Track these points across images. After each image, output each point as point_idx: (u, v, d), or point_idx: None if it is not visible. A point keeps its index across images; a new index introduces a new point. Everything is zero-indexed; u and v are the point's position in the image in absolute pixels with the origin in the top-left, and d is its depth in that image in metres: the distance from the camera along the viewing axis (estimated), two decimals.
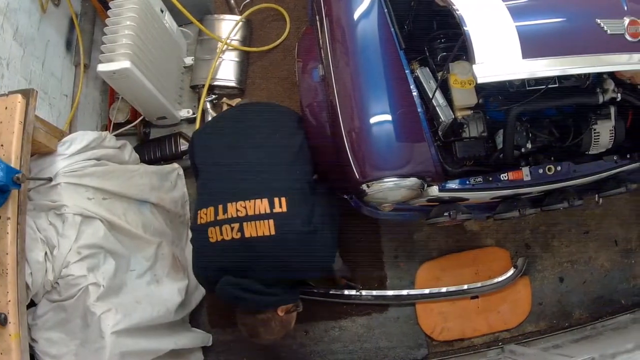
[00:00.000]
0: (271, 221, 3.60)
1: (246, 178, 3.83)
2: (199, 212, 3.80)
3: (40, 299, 3.83)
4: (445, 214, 3.90)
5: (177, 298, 4.65)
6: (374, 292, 5.35)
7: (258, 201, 3.63)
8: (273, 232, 3.59)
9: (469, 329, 5.38)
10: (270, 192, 3.69)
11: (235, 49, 6.00)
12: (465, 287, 5.33)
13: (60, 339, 3.85)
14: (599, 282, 5.56)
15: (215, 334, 5.24)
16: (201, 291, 5.14)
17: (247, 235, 3.60)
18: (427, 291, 5.34)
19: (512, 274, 5.35)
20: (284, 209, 3.64)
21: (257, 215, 3.61)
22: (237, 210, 3.63)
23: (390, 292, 5.37)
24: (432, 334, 5.34)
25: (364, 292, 5.29)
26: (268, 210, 3.62)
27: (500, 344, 5.35)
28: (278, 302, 3.78)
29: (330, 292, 5.26)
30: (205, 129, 4.64)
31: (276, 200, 3.65)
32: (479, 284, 5.34)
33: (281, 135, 4.13)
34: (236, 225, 3.61)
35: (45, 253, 3.75)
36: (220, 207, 3.67)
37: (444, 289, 5.33)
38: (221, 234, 3.65)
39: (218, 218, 3.67)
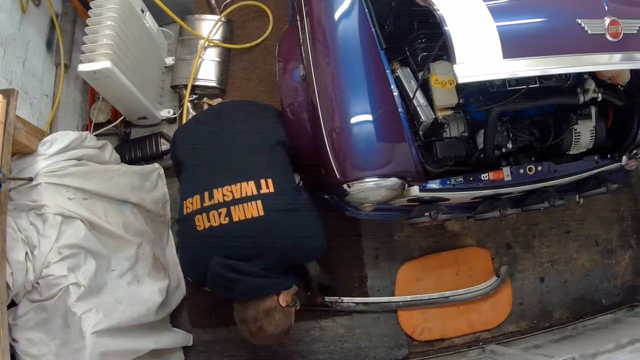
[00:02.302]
0: (259, 202, 3.60)
1: (230, 163, 3.85)
2: (184, 202, 3.79)
3: (21, 299, 3.83)
4: (426, 214, 3.92)
5: (157, 298, 4.63)
6: (355, 300, 5.34)
7: (244, 184, 3.64)
8: (262, 213, 3.59)
9: (449, 328, 5.39)
10: (255, 174, 3.70)
11: (216, 46, 6.00)
12: (448, 294, 5.34)
13: (40, 339, 3.84)
14: (579, 282, 5.59)
15: (196, 333, 5.22)
16: (182, 291, 5.14)
17: (235, 219, 3.60)
18: (408, 298, 5.34)
19: (495, 282, 5.38)
20: (271, 189, 3.66)
21: (244, 198, 3.61)
22: (224, 194, 3.63)
23: (371, 300, 5.37)
24: (413, 334, 5.34)
25: (345, 299, 5.28)
26: (255, 192, 3.62)
27: (481, 343, 5.36)
28: (273, 284, 3.75)
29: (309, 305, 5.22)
30: (186, 126, 4.64)
31: (262, 181, 3.66)
32: (460, 292, 5.35)
33: (263, 125, 4.15)
34: (223, 210, 3.61)
35: (26, 253, 3.75)
36: (206, 193, 3.67)
37: (425, 296, 5.34)
38: (209, 221, 3.63)
39: (204, 205, 3.66)
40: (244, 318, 3.77)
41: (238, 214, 3.59)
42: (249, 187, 3.62)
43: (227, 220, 3.59)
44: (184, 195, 3.84)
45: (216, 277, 3.67)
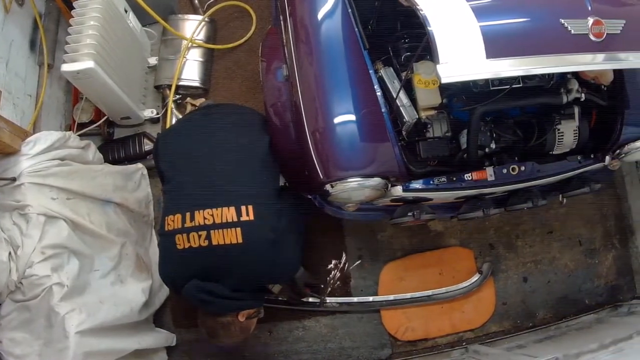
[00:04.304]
0: (238, 229, 3.62)
1: (213, 185, 3.85)
2: (166, 218, 3.80)
3: (4, 299, 3.87)
4: (409, 214, 3.92)
5: (141, 298, 4.66)
6: (339, 300, 5.36)
7: (225, 209, 3.66)
8: (240, 241, 3.62)
9: (433, 328, 5.42)
10: (237, 200, 3.71)
11: (200, 46, 6.00)
12: (430, 293, 5.36)
13: (24, 339, 3.88)
14: (563, 282, 5.64)
15: (179, 333, 5.27)
16: (165, 291, 5.15)
17: (214, 243, 3.63)
18: (391, 297, 5.36)
19: (477, 279, 5.41)
20: (251, 217, 3.66)
21: (224, 224, 3.64)
22: (205, 218, 3.65)
23: (355, 299, 5.39)
24: (396, 334, 5.37)
25: (328, 300, 5.30)
26: (235, 219, 3.64)
27: (464, 343, 5.39)
28: (243, 306, 3.84)
29: (294, 300, 5.25)
30: (170, 133, 4.57)
31: (243, 208, 3.67)
32: (443, 290, 5.37)
33: (247, 140, 4.14)
34: (203, 233, 3.64)
35: (9, 253, 3.79)
36: (188, 214, 3.69)
37: (408, 295, 5.36)
38: (188, 242, 3.66)
39: (185, 225, 3.68)
40: (203, 323, 3.95)
41: (217, 238, 3.63)
42: (229, 213, 3.65)
43: (206, 243, 3.64)
44: (166, 211, 3.86)
45: (189, 295, 3.74)
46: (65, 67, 4.56)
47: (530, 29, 3.15)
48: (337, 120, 3.70)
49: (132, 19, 5.45)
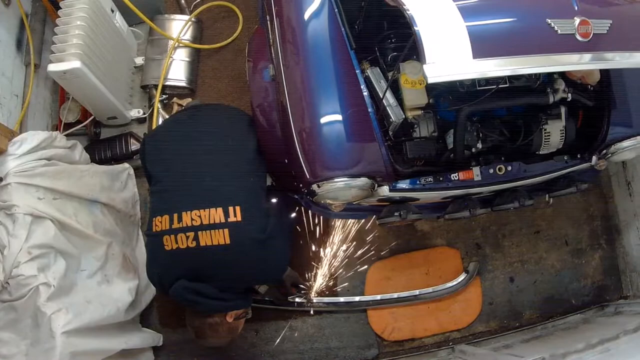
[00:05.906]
0: (226, 230, 3.63)
1: (201, 187, 3.85)
2: (154, 219, 3.80)
3: None
4: (396, 213, 3.92)
5: (127, 298, 4.66)
6: (325, 300, 5.36)
7: (213, 210, 3.66)
8: (228, 242, 3.63)
9: (419, 328, 5.42)
10: (224, 201, 3.71)
11: (186, 46, 6.01)
12: (417, 292, 5.37)
13: (10, 339, 3.87)
14: (549, 282, 5.65)
15: (165, 333, 5.28)
16: (152, 291, 5.15)
17: (202, 243, 3.63)
18: (378, 297, 5.36)
19: (464, 279, 5.42)
20: (239, 218, 3.67)
21: (212, 225, 3.64)
22: (192, 219, 3.65)
23: (341, 299, 5.39)
24: (383, 334, 5.37)
25: (314, 300, 5.29)
26: (223, 220, 3.65)
27: (450, 343, 5.40)
28: (230, 307, 3.86)
29: (281, 300, 5.22)
30: (157, 134, 4.60)
31: (231, 209, 3.68)
32: (429, 290, 5.37)
33: (234, 141, 4.15)
34: (191, 234, 3.64)
35: None
36: (176, 215, 3.69)
37: (395, 295, 5.36)
38: (176, 243, 3.66)
39: (173, 226, 3.68)
40: (190, 323, 3.99)
41: (205, 239, 3.63)
42: (217, 214, 3.66)
43: (194, 244, 3.64)
44: (154, 212, 3.87)
45: (177, 296, 3.75)
46: (52, 67, 4.57)
47: (517, 29, 3.15)
48: (323, 120, 3.69)
49: (118, 19, 5.45)
